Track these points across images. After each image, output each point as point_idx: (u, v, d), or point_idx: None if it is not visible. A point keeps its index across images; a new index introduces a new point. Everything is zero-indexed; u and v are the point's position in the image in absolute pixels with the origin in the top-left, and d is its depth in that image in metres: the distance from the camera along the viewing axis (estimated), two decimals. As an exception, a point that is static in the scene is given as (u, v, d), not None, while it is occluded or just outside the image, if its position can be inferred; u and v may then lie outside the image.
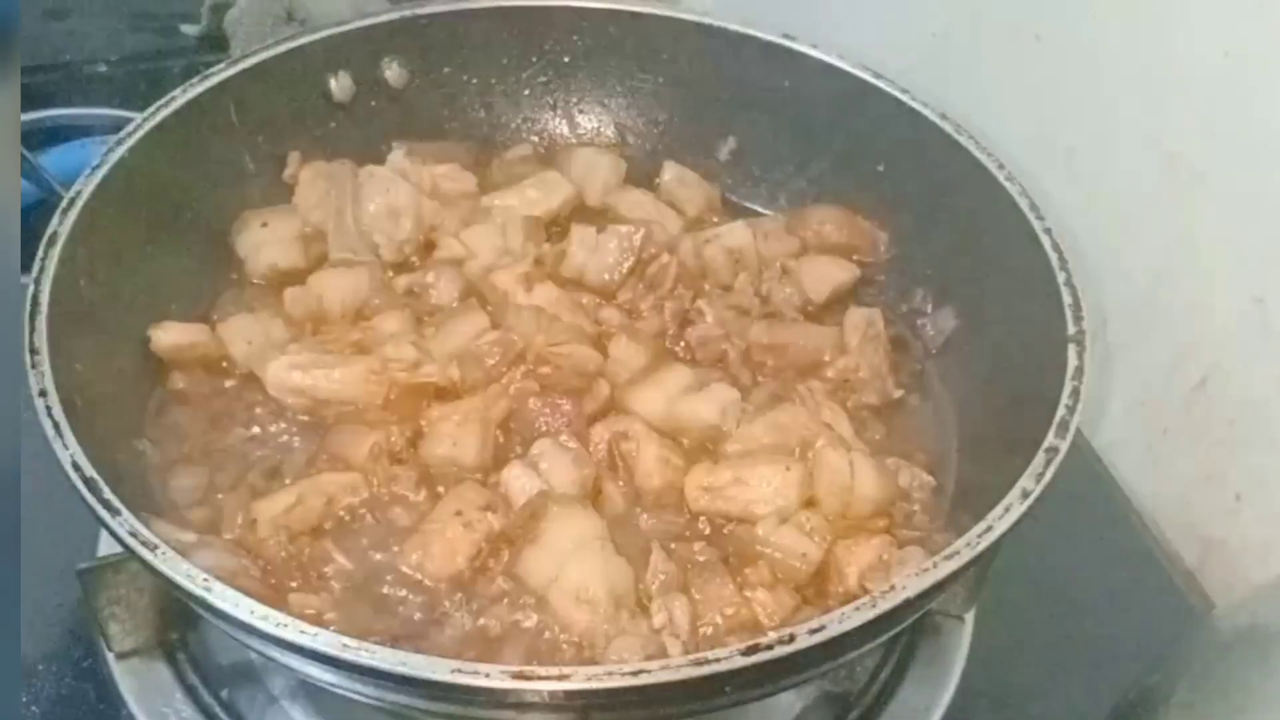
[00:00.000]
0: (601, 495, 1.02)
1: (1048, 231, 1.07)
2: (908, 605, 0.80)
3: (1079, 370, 0.96)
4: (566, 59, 1.37)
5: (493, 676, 0.73)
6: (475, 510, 0.97)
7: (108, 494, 0.83)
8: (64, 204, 1.02)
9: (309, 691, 1.03)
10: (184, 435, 1.06)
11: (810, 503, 1.02)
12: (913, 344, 1.22)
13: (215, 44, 1.78)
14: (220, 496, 1.01)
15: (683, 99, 1.37)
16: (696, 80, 1.36)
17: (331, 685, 0.84)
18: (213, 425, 1.07)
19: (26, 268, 0.95)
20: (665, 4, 1.45)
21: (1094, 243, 1.30)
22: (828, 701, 1.07)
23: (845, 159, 1.30)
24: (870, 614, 0.78)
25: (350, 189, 1.22)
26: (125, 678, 1.03)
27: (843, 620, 0.77)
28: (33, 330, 0.92)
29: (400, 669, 0.74)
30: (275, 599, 0.89)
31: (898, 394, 1.16)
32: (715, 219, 1.32)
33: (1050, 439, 0.90)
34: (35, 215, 1.05)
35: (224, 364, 1.11)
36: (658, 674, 0.74)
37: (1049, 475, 0.88)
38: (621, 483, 1.03)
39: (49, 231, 1.00)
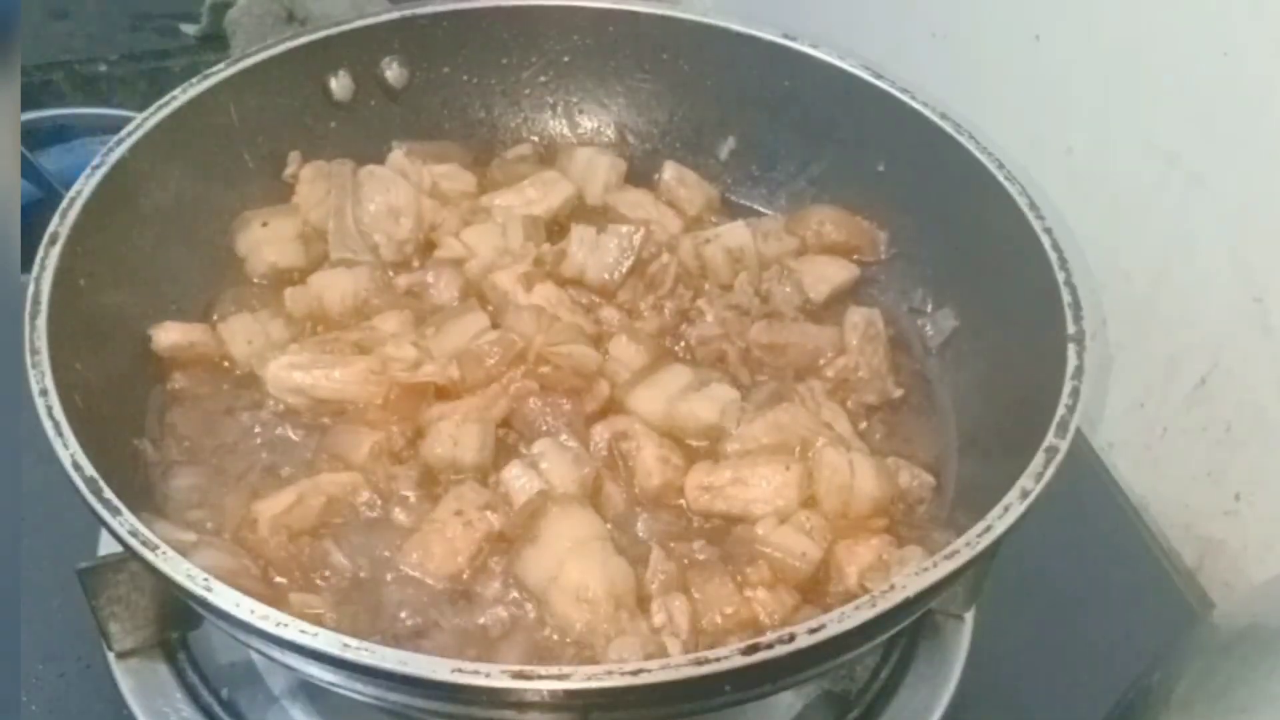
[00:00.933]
0: (601, 495, 1.02)
1: (1048, 231, 1.07)
2: (908, 605, 0.80)
3: (1079, 370, 0.96)
4: (566, 59, 1.37)
5: (493, 676, 0.73)
6: (475, 510, 0.97)
7: (108, 494, 0.82)
8: (64, 204, 1.02)
9: (309, 691, 1.03)
10: (184, 435, 1.05)
11: (810, 502, 1.02)
12: (913, 344, 1.22)
13: (215, 44, 1.78)
14: (220, 496, 1.01)
15: (683, 99, 1.37)
16: (696, 80, 1.36)
17: (332, 685, 0.84)
18: (213, 425, 1.06)
19: (26, 268, 0.95)
20: (665, 4, 1.45)
21: (1094, 243, 1.30)
22: (828, 701, 1.07)
23: (845, 159, 1.30)
24: (870, 613, 0.78)
25: (350, 188, 1.22)
26: (125, 677, 1.02)
27: (842, 620, 0.77)
28: (33, 330, 0.92)
29: (400, 669, 0.74)
30: (275, 599, 0.88)
31: (898, 394, 1.16)
32: (715, 219, 1.32)
33: (1050, 439, 0.90)
34: (35, 215, 1.05)
35: (224, 364, 1.11)
36: (658, 674, 0.74)
37: (1049, 475, 0.88)
38: (621, 482, 1.03)
39: (49, 231, 0.99)
